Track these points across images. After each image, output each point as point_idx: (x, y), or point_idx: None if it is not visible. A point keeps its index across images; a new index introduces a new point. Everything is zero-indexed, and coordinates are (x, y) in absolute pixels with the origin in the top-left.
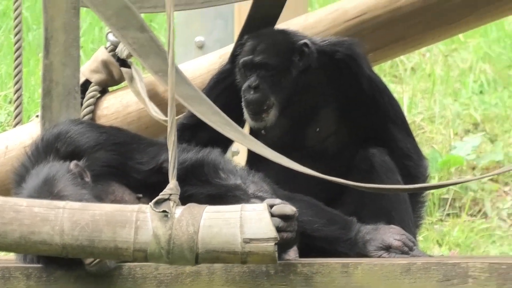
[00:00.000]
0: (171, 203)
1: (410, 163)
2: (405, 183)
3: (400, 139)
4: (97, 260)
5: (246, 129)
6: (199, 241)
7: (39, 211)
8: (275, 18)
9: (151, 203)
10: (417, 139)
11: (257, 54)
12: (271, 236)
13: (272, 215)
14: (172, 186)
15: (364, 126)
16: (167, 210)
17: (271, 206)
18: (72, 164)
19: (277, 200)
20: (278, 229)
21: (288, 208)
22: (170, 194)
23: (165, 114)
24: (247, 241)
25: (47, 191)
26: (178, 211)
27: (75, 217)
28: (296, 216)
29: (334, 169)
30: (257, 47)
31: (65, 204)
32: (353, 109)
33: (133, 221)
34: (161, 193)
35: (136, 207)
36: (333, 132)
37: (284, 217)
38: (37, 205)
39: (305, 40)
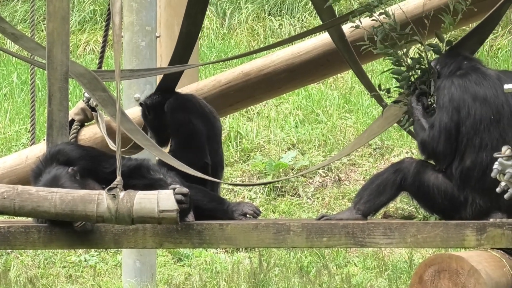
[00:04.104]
0: (118, 189)
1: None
2: None
3: (185, 150)
4: (82, 223)
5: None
6: (133, 211)
7: (42, 194)
8: (174, 86)
9: (106, 190)
10: (259, 154)
11: None
12: (174, 208)
13: (176, 194)
14: (118, 179)
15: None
16: (115, 194)
17: (174, 189)
18: (70, 169)
19: (177, 185)
20: (179, 202)
21: (184, 189)
22: (117, 185)
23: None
24: (161, 211)
25: (55, 183)
26: (122, 194)
27: (63, 197)
28: (189, 195)
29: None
30: None
31: (57, 190)
32: (172, 132)
33: (95, 200)
34: (111, 184)
35: (98, 191)
36: (172, 144)
37: (182, 195)
38: (41, 190)
39: (141, 101)
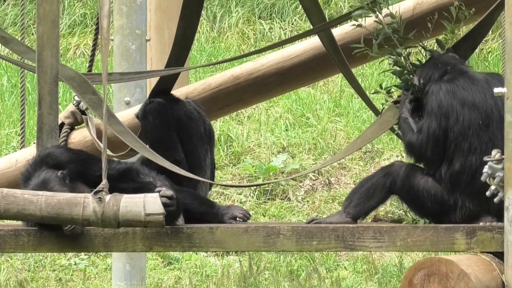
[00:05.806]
0: (104, 193)
1: None
2: None
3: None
4: (72, 227)
5: None
6: (119, 214)
7: (27, 197)
8: (170, 88)
9: (92, 193)
10: (249, 157)
11: None
12: (160, 212)
13: (161, 197)
14: (104, 183)
15: None
16: (101, 197)
17: (159, 191)
18: (59, 172)
19: (164, 188)
20: (165, 205)
21: (169, 192)
22: (103, 188)
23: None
24: (147, 214)
25: (44, 187)
26: (108, 197)
27: (48, 200)
28: (177, 198)
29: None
30: None
31: (42, 193)
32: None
33: (81, 203)
34: (97, 187)
35: (83, 194)
36: None
37: (168, 197)
38: (26, 193)
39: (136, 113)
